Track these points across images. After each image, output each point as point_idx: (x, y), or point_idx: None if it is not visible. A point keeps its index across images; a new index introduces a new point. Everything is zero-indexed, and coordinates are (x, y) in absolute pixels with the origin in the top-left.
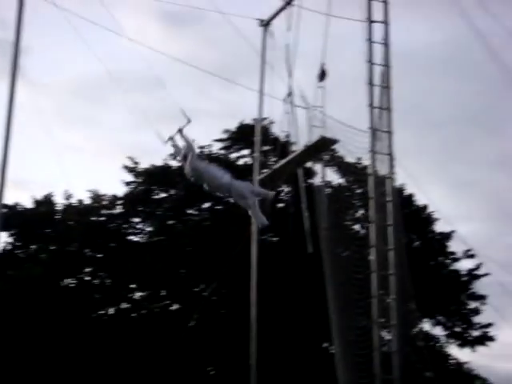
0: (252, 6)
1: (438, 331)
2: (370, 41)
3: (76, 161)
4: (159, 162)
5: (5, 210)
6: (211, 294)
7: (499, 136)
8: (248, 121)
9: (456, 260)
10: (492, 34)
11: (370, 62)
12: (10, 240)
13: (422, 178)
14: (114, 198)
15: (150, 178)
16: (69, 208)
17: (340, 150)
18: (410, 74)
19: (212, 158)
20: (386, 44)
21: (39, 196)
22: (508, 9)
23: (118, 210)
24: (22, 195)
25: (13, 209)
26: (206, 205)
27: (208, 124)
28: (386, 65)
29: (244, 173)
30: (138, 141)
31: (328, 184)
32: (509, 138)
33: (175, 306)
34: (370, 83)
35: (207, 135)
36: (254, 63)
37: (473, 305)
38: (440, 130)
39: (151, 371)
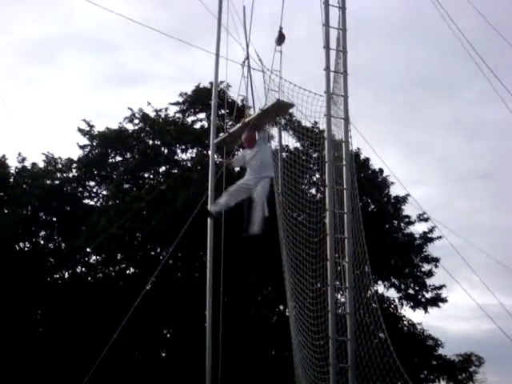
0: None
1: (392, 293)
2: (327, 4)
3: (29, 123)
4: (115, 126)
5: None
6: (168, 258)
7: (451, 100)
8: (204, 84)
9: (410, 223)
10: None
11: (327, 26)
12: None
13: (376, 143)
14: (69, 161)
15: (105, 142)
16: (22, 171)
17: (296, 114)
18: (364, 39)
19: (168, 122)
20: (342, 8)
21: None
22: None
23: (73, 173)
24: None
25: None
26: (162, 169)
27: (163, 87)
28: (342, 28)
29: (200, 136)
30: (92, 103)
31: (284, 148)
32: (461, 102)
33: (131, 270)
34: (327, 47)
35: (162, 98)
36: (210, 26)
37: (426, 267)
38: (393, 95)
39: (107, 336)
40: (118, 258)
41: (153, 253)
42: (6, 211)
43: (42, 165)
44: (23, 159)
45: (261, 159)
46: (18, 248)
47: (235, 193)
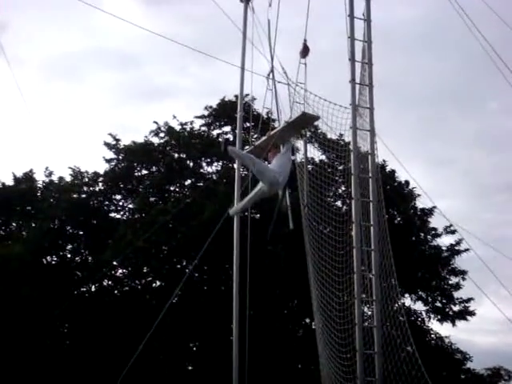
0: None
1: (419, 306)
2: (352, 16)
3: (56, 138)
4: (140, 139)
5: None
6: (193, 271)
7: (476, 112)
8: (229, 97)
9: (437, 236)
10: (472, 9)
11: (352, 38)
12: None
13: (401, 155)
14: (96, 174)
15: (131, 155)
16: (50, 185)
17: (322, 126)
18: (388, 51)
19: (194, 135)
20: (367, 20)
21: (19, 173)
22: None
23: (100, 187)
24: (1, 172)
25: None
26: (188, 182)
27: (187, 101)
28: (368, 41)
29: (226, 149)
30: (118, 117)
31: (310, 161)
32: (486, 115)
33: (158, 283)
34: (352, 59)
35: (186, 112)
36: (234, 40)
37: (453, 280)
38: (417, 107)
39: (133, 349)
40: (144, 271)
41: (179, 266)
42: (33, 225)
43: (68, 179)
44: (50, 173)
45: (276, 162)
46: (45, 261)
47: (252, 197)
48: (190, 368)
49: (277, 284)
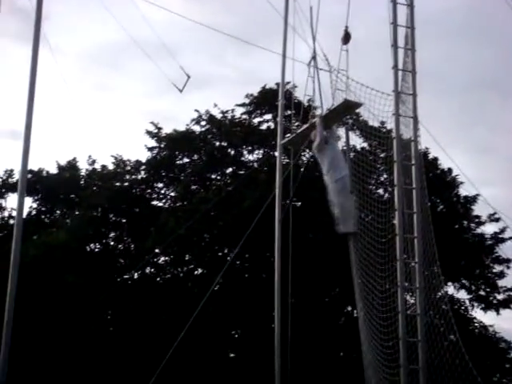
0: None
1: (463, 295)
2: (395, 2)
3: (98, 126)
4: (182, 128)
5: (29, 176)
6: (235, 259)
7: None
8: (270, 85)
9: (480, 224)
10: None
11: (395, 24)
12: (35, 205)
13: (444, 142)
14: (138, 163)
15: (172, 144)
16: (93, 173)
17: (364, 113)
18: (430, 38)
19: (235, 123)
20: (410, 5)
21: (63, 161)
22: None
23: (142, 175)
24: (46, 160)
25: (37, 174)
26: (229, 170)
27: (225, 90)
28: (411, 27)
29: (267, 137)
30: (157, 107)
31: (352, 148)
32: None
33: (199, 271)
34: (395, 45)
35: (226, 100)
36: (272, 28)
37: (497, 268)
38: (460, 95)
39: (175, 336)
40: (186, 258)
41: (220, 254)
42: (77, 213)
43: (111, 167)
44: (93, 162)
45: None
46: (88, 249)
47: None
48: (232, 355)
49: (318, 272)
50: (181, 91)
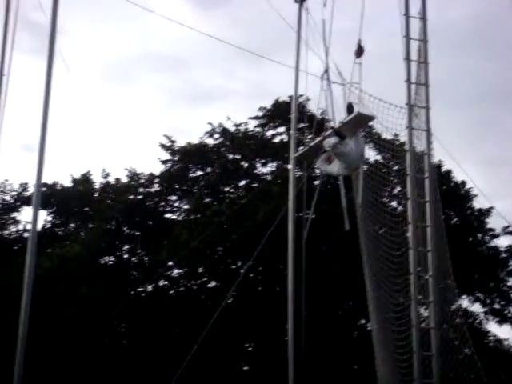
0: None
1: (477, 308)
2: (408, 15)
3: (112, 140)
4: (195, 141)
5: (44, 189)
6: (248, 272)
7: None
8: (283, 98)
9: (494, 236)
10: None
11: (407, 37)
12: (49, 218)
13: (457, 155)
14: (151, 176)
15: (186, 157)
16: (106, 186)
17: (377, 126)
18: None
19: (248, 136)
20: (423, 18)
21: (77, 175)
22: None
23: (155, 188)
24: (60, 174)
25: (51, 187)
26: (242, 182)
27: (237, 103)
28: (424, 40)
29: (280, 150)
30: (170, 120)
31: (365, 161)
32: None
33: (213, 283)
34: (408, 58)
35: (238, 113)
36: (283, 42)
37: None
38: (470, 107)
39: (189, 348)
40: (200, 271)
41: (234, 266)
42: (91, 226)
43: (125, 180)
44: (107, 175)
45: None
46: (102, 262)
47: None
48: (245, 368)
49: (332, 285)
50: None
